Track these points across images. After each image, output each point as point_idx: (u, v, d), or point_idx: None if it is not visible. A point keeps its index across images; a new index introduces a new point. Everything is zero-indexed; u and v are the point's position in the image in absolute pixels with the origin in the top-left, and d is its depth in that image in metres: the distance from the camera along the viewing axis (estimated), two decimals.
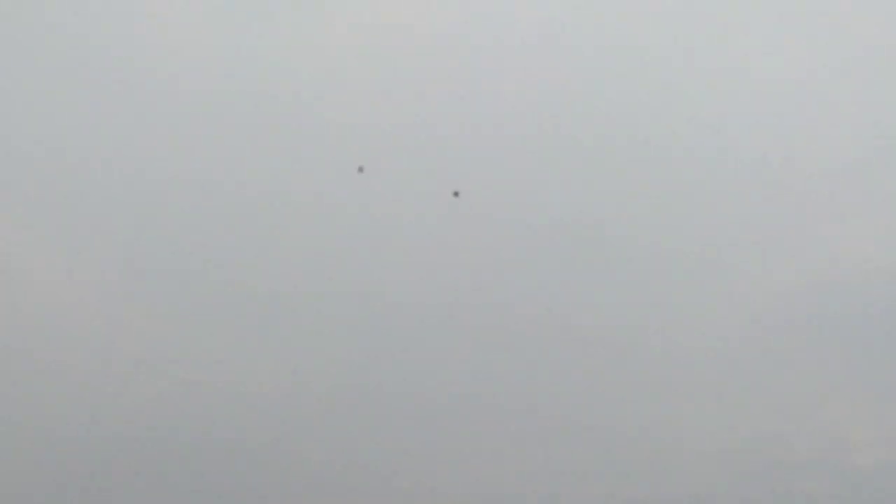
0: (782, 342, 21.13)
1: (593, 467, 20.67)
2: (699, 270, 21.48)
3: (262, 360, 20.97)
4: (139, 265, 21.21)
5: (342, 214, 21.36)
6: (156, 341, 20.86)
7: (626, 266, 21.58)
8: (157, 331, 20.89)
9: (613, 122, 21.84)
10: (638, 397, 21.08)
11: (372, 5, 22.17)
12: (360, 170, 20.17)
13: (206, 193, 21.50)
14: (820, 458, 20.50)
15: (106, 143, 21.53)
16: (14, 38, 21.51)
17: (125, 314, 20.99)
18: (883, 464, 20.36)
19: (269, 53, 21.90)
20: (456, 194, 21.03)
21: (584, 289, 21.47)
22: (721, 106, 21.91)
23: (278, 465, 20.44)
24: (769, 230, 21.53)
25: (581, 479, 20.63)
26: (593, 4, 21.96)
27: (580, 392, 21.02)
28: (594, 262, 21.56)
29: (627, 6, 22.26)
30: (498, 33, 22.07)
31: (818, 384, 20.87)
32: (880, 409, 20.69)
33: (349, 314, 21.13)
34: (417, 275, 21.46)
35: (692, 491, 20.45)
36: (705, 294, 21.43)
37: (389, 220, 21.50)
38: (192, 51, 21.69)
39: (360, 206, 21.42)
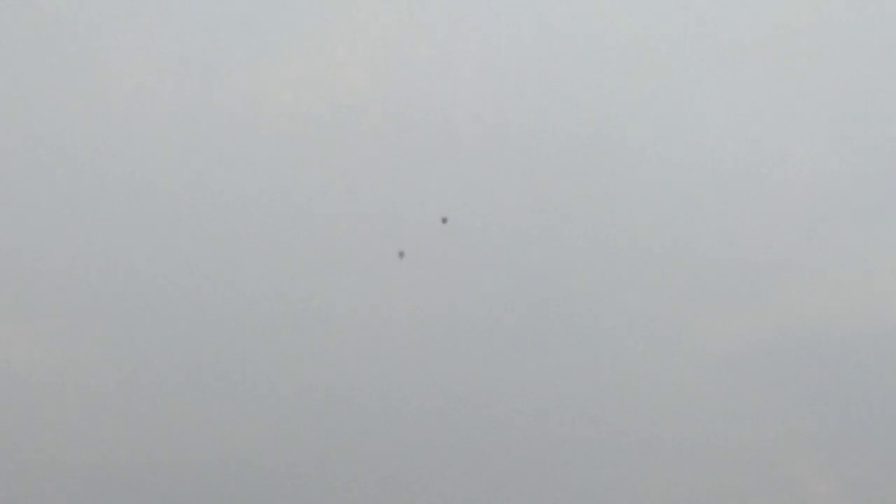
0: (741, 398, 21.11)
1: None
2: (655, 327, 21.45)
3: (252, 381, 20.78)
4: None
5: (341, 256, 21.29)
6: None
7: (578, 317, 21.55)
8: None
9: (580, 174, 21.84)
10: (593, 454, 21.01)
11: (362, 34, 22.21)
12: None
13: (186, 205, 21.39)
14: None
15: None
16: None
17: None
18: None
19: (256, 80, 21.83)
20: (444, 221, 20.95)
21: (534, 335, 21.43)
22: (682, 155, 21.93)
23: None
24: (727, 286, 21.53)
25: None
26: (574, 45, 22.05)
27: (535, 452, 20.95)
28: (546, 307, 21.54)
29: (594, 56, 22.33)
30: (483, 68, 22.10)
31: (778, 440, 20.87)
32: (840, 465, 20.71)
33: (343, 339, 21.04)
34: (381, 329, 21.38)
35: None
36: (663, 349, 21.39)
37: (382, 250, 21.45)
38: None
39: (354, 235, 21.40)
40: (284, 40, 21.94)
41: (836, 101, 22.08)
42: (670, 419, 20.76)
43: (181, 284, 21.31)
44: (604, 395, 20.84)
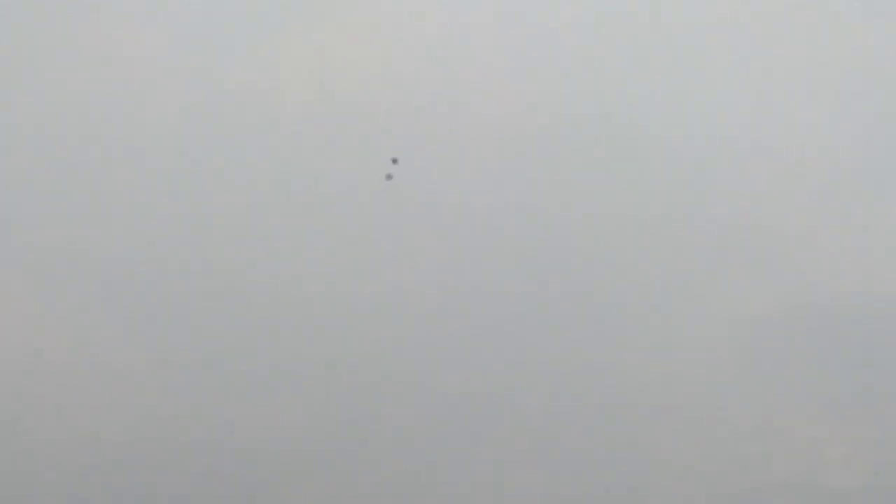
0: (759, 363, 21.08)
1: (572, 491, 20.59)
2: (674, 293, 21.41)
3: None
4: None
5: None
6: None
7: (597, 286, 21.50)
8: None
9: (594, 144, 21.82)
10: (613, 420, 20.98)
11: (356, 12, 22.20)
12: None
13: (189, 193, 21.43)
14: (798, 480, 20.45)
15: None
16: None
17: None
18: (861, 485, 20.32)
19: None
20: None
21: (556, 307, 21.40)
22: (699, 123, 21.89)
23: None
24: (746, 253, 21.48)
25: (560, 503, 20.55)
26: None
27: (557, 417, 20.93)
28: (566, 279, 21.50)
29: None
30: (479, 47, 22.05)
31: (795, 405, 20.82)
32: (858, 430, 20.65)
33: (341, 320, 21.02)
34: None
35: None
36: (681, 316, 21.36)
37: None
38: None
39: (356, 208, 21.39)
40: (298, 17, 21.97)
41: (856, 73, 21.99)
42: (690, 384, 20.76)
43: (198, 261, 21.35)
44: (626, 359, 20.84)
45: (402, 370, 21.03)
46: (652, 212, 21.51)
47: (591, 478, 20.47)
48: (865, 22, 21.94)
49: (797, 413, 20.76)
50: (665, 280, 21.29)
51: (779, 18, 22.06)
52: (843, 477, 20.36)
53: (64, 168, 21.36)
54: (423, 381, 20.96)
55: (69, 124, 21.74)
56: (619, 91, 22.10)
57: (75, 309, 20.92)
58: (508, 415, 20.80)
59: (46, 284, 20.95)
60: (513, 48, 22.22)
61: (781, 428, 20.70)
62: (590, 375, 20.93)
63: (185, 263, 21.24)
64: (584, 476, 20.48)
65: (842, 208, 21.47)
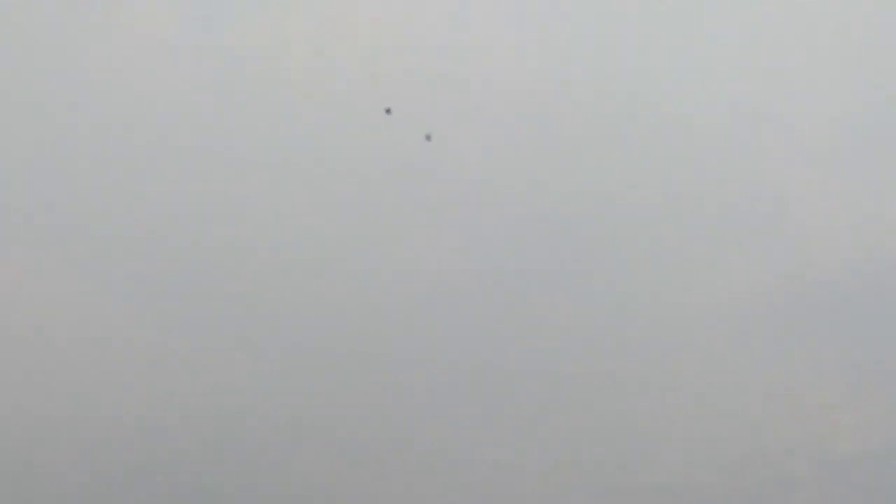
0: (764, 332, 21.27)
1: (576, 459, 20.73)
2: (677, 265, 21.57)
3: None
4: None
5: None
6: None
7: (602, 261, 21.63)
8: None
9: (594, 117, 21.92)
10: (619, 390, 21.14)
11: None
12: (388, 111, 19.68)
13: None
14: (804, 447, 20.66)
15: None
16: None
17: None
18: (866, 451, 20.54)
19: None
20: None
21: (561, 283, 21.51)
22: (696, 98, 22.03)
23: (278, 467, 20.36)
24: (747, 224, 21.65)
25: (564, 472, 20.67)
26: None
27: (561, 386, 21.05)
28: (570, 256, 21.61)
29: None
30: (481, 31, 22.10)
31: (801, 373, 21.02)
32: (863, 396, 20.88)
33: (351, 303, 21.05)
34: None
35: (677, 481, 20.56)
36: (684, 288, 21.52)
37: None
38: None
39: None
40: None
41: (853, 41, 22.12)
42: (700, 354, 20.93)
43: (200, 224, 21.26)
44: (639, 330, 20.96)
45: (409, 345, 21.13)
46: (657, 185, 21.66)
47: (602, 446, 20.62)
48: None
49: (807, 380, 20.96)
50: (675, 251, 21.43)
51: None
52: (848, 443, 20.58)
53: (75, 145, 21.35)
54: (429, 355, 21.06)
55: (71, 104, 21.70)
56: (619, 62, 22.20)
57: (92, 288, 20.91)
58: (519, 386, 20.92)
59: (60, 263, 20.94)
60: (519, 19, 22.28)
61: (792, 395, 20.90)
62: (602, 347, 21.07)
63: (195, 242, 21.25)
64: (595, 444, 20.63)
65: (845, 178, 21.66)
